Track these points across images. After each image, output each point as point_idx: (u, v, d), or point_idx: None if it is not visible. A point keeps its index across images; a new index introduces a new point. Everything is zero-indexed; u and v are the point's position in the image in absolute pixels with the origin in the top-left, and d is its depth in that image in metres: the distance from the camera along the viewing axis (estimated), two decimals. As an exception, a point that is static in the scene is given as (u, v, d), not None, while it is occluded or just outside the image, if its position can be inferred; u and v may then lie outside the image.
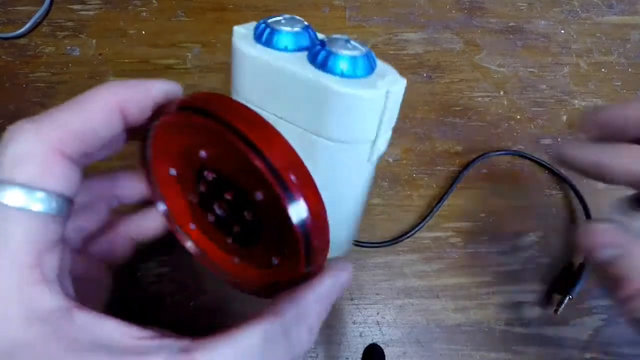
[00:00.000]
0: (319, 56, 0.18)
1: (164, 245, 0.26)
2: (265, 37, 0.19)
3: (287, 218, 0.15)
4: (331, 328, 0.30)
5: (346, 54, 0.18)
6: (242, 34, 0.20)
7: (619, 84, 0.38)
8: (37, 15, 0.39)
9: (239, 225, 0.20)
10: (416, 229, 0.32)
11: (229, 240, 0.21)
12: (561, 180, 0.35)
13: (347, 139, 0.19)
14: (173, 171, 0.21)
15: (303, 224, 0.16)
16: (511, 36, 0.40)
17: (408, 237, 0.32)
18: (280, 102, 0.19)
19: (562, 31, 0.41)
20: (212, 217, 0.20)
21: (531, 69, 0.39)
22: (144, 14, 0.41)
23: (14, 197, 0.15)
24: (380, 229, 0.32)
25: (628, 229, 0.19)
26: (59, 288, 0.16)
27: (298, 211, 0.15)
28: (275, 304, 0.17)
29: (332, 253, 0.22)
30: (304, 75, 0.18)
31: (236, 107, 0.16)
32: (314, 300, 0.18)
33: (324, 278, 0.18)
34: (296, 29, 0.19)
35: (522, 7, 0.42)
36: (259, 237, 0.19)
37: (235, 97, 0.21)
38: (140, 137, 0.20)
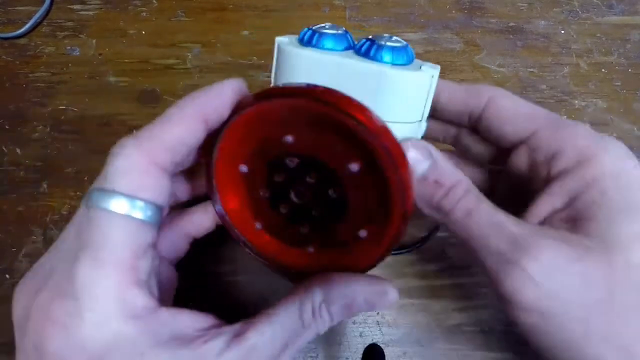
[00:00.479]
0: (368, 48, 0.20)
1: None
2: (313, 40, 0.21)
3: (389, 180, 0.17)
4: (331, 328, 0.30)
5: (391, 45, 0.20)
6: (286, 41, 0.22)
7: (619, 84, 0.38)
8: (37, 15, 0.39)
9: (319, 209, 0.21)
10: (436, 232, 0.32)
11: (304, 230, 0.22)
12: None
13: (398, 119, 0.20)
14: (244, 168, 0.21)
15: (401, 186, 0.17)
16: (511, 36, 0.40)
17: (430, 240, 0.32)
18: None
19: (562, 31, 0.41)
20: (284, 209, 0.22)
21: (531, 69, 0.39)
22: (144, 14, 0.41)
23: (119, 205, 0.17)
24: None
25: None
26: (148, 289, 0.17)
27: (398, 174, 0.17)
28: (308, 285, 0.20)
29: None
30: (357, 65, 0.19)
31: (319, 88, 0.17)
32: (340, 291, 0.20)
33: (362, 278, 0.20)
34: (339, 32, 0.21)
35: (522, 7, 0.42)
36: (343, 214, 0.21)
37: None
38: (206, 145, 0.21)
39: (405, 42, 0.21)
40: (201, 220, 0.25)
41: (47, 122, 0.36)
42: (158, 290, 0.19)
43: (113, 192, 0.17)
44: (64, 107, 0.37)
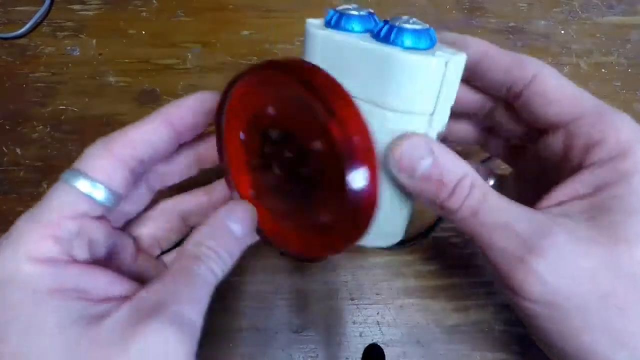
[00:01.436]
0: (383, 30, 0.20)
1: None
2: (334, 21, 0.21)
3: (344, 170, 0.16)
4: (331, 328, 0.30)
5: (408, 27, 0.19)
6: (315, 23, 0.22)
7: (619, 84, 0.38)
8: (37, 15, 0.39)
9: (292, 185, 0.21)
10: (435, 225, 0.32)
11: (284, 203, 0.23)
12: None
13: (405, 108, 0.20)
14: (242, 136, 0.22)
15: (360, 185, 0.17)
16: (511, 36, 0.40)
17: (432, 232, 0.32)
18: (348, 78, 0.19)
19: (562, 31, 0.41)
20: (272, 179, 0.22)
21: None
22: (144, 14, 0.41)
23: (68, 176, 0.20)
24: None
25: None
26: (66, 246, 0.19)
27: (355, 174, 0.16)
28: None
29: (378, 242, 0.24)
30: (367, 47, 0.19)
31: (309, 66, 0.18)
32: (208, 229, 0.21)
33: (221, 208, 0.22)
34: (362, 13, 0.21)
35: (522, 7, 0.42)
36: (312, 195, 0.21)
37: None
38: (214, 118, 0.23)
39: (427, 26, 0.20)
40: (193, 204, 0.27)
41: (47, 122, 0.36)
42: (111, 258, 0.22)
43: (71, 170, 0.20)
44: (64, 107, 0.37)
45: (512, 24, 0.41)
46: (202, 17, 0.41)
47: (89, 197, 0.20)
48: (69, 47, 0.39)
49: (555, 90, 0.21)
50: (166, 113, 0.22)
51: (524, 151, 0.25)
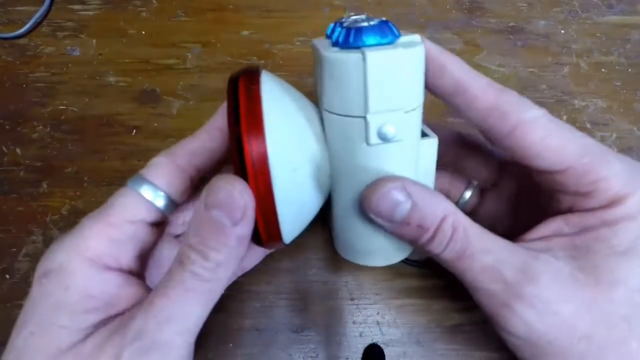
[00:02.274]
0: (334, 34, 0.19)
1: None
2: (332, 33, 0.20)
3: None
4: (331, 328, 0.30)
5: (350, 26, 0.18)
6: (322, 44, 0.21)
7: (619, 84, 0.38)
8: (37, 15, 0.39)
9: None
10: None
11: None
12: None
13: (340, 110, 0.19)
14: None
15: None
16: (511, 36, 0.40)
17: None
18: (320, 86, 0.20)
19: (562, 31, 0.41)
20: None
21: (531, 69, 0.39)
22: (144, 14, 0.41)
23: (134, 182, 0.22)
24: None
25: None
26: (118, 248, 0.21)
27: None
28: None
29: (390, 259, 0.24)
30: (318, 53, 0.19)
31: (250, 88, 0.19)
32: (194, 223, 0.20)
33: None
34: (337, 26, 0.20)
35: (522, 7, 0.42)
36: None
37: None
38: None
39: (378, 20, 0.19)
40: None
41: (47, 122, 0.36)
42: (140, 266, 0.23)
43: (137, 177, 0.22)
44: (64, 107, 0.37)
45: (512, 24, 0.41)
46: (202, 17, 0.41)
47: (151, 204, 0.22)
48: (69, 47, 0.39)
49: (537, 144, 0.19)
50: (217, 121, 0.23)
51: (505, 169, 0.25)
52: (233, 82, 0.20)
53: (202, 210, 0.17)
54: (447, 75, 0.20)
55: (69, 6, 0.41)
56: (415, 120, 0.20)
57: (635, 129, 0.37)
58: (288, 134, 0.19)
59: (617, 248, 0.18)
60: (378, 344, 0.29)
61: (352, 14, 0.21)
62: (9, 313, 0.30)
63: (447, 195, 0.27)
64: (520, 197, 0.25)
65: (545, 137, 0.19)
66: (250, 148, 0.18)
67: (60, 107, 0.37)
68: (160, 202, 0.22)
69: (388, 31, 0.18)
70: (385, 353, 0.27)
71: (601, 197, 0.19)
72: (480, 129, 0.21)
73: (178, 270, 0.18)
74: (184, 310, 0.18)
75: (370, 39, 0.18)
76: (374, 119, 0.18)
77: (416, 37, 0.20)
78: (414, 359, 0.29)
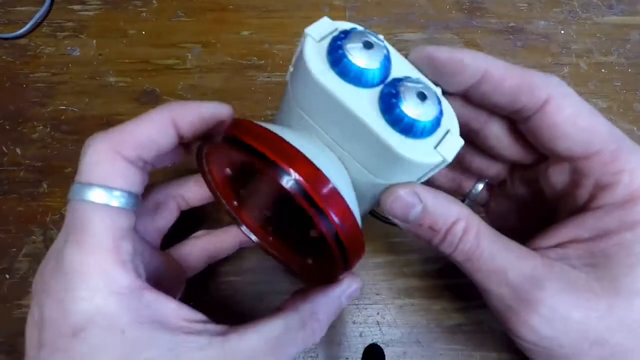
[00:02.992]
0: (390, 109, 0.17)
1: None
2: (338, 62, 0.17)
3: (321, 231, 0.18)
4: (331, 328, 0.30)
5: (416, 117, 0.17)
6: (315, 45, 0.18)
7: (619, 84, 0.38)
8: (37, 15, 0.39)
9: (286, 225, 0.23)
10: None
11: (269, 229, 0.24)
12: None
13: (390, 181, 0.20)
14: (228, 171, 0.23)
15: (333, 233, 0.18)
16: (511, 36, 0.40)
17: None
18: (335, 127, 0.19)
19: (562, 31, 0.41)
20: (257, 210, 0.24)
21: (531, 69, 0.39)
22: (144, 14, 0.41)
23: (97, 195, 0.18)
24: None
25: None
26: (133, 270, 0.18)
27: (327, 225, 0.17)
28: (294, 301, 0.21)
29: None
30: (367, 122, 0.17)
31: (275, 140, 0.17)
32: (324, 303, 0.21)
33: (336, 285, 0.22)
34: (370, 63, 0.17)
35: (522, 7, 0.42)
36: (296, 240, 0.23)
37: (291, 101, 0.20)
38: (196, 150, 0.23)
39: (438, 108, 0.18)
40: (221, 242, 0.28)
41: (47, 122, 0.36)
42: (159, 282, 0.21)
43: (89, 184, 0.18)
44: (64, 107, 0.37)
45: (512, 24, 0.41)
46: (202, 17, 0.41)
47: (120, 209, 0.19)
48: (69, 47, 0.39)
49: (567, 122, 0.18)
50: (172, 111, 0.20)
51: (515, 172, 0.25)
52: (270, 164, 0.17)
53: (338, 297, 0.22)
54: (468, 68, 0.19)
55: (69, 6, 0.41)
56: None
57: (635, 129, 0.37)
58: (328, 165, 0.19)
59: (639, 257, 0.17)
60: (378, 344, 0.29)
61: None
62: (9, 313, 0.30)
63: (459, 187, 0.27)
64: (530, 196, 0.24)
65: (576, 115, 0.18)
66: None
67: (60, 107, 0.37)
68: (120, 201, 0.19)
69: (434, 126, 0.18)
70: (385, 353, 0.27)
71: (622, 191, 0.18)
72: (511, 111, 0.19)
73: (299, 332, 0.21)
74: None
75: (428, 134, 0.18)
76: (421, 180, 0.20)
77: (451, 119, 0.19)
78: (414, 359, 0.29)
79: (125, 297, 0.17)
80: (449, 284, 0.31)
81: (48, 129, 0.36)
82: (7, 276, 0.31)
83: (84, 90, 0.37)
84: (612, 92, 0.38)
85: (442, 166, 0.18)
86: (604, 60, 0.39)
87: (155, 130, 0.20)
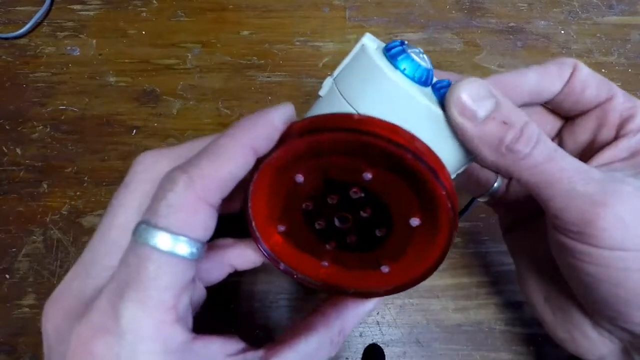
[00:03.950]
0: (441, 91, 0.20)
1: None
2: (398, 57, 0.19)
3: (444, 244, 0.18)
4: (331, 328, 0.30)
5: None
6: (373, 47, 0.20)
7: (619, 84, 0.38)
8: (37, 15, 0.39)
9: (356, 239, 0.21)
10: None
11: (329, 247, 0.22)
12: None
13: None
14: (300, 177, 0.20)
15: (444, 249, 0.19)
16: (511, 36, 0.40)
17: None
18: (388, 113, 0.19)
19: (562, 31, 0.41)
20: (320, 226, 0.21)
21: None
22: (144, 14, 0.41)
23: (164, 241, 0.16)
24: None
25: None
26: (185, 322, 0.18)
27: (448, 241, 0.18)
28: (326, 314, 0.21)
29: None
30: (433, 108, 0.18)
31: (394, 128, 0.17)
32: (352, 317, 0.22)
33: (366, 301, 0.22)
34: (424, 64, 0.20)
35: (522, 7, 0.42)
36: (377, 248, 0.21)
37: (338, 85, 0.20)
38: None
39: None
40: (246, 254, 0.25)
41: (47, 122, 0.36)
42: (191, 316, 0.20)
43: (165, 230, 0.16)
44: (64, 107, 0.37)
45: (512, 24, 0.41)
46: (202, 17, 0.41)
47: (188, 260, 0.17)
48: (69, 47, 0.39)
49: (590, 76, 0.22)
50: (252, 138, 0.18)
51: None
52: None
53: (356, 315, 0.23)
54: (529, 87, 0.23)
55: (69, 6, 0.41)
56: None
57: (635, 129, 0.37)
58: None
59: None
60: (378, 344, 0.29)
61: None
62: (8, 313, 0.30)
63: (477, 181, 0.27)
64: None
65: (592, 73, 0.22)
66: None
67: (60, 107, 0.37)
68: (199, 252, 0.17)
69: None
70: (385, 353, 0.27)
71: None
72: (549, 94, 0.23)
73: (329, 349, 0.21)
74: None
75: None
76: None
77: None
78: (414, 359, 0.29)
79: (179, 354, 0.17)
80: (449, 284, 0.31)
81: (48, 129, 0.36)
82: (7, 276, 0.31)
83: (83, 90, 0.37)
84: (612, 92, 0.38)
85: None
86: (604, 60, 0.39)
87: (238, 165, 0.18)
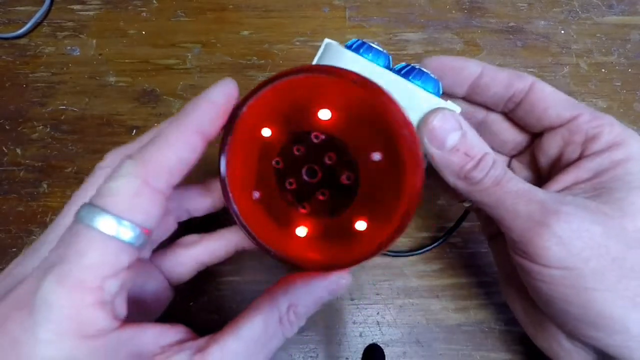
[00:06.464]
0: (410, 71, 0.21)
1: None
2: (360, 49, 0.22)
3: (406, 181, 0.18)
4: (331, 328, 0.30)
5: (431, 75, 0.22)
6: (335, 43, 0.23)
7: (619, 84, 0.38)
8: (37, 15, 0.39)
9: (326, 191, 0.21)
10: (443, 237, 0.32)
11: (303, 210, 0.22)
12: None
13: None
14: (267, 131, 0.21)
15: (413, 189, 0.18)
16: (511, 36, 0.40)
17: (439, 244, 0.32)
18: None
19: (562, 31, 0.41)
20: (291, 185, 0.22)
21: (531, 69, 0.39)
22: (144, 14, 0.41)
23: (107, 224, 0.16)
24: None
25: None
26: (111, 309, 0.17)
27: (415, 180, 0.18)
28: (273, 293, 0.20)
29: None
30: (396, 79, 0.21)
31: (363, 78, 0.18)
32: (305, 294, 0.21)
33: (321, 277, 0.21)
34: (384, 51, 0.22)
35: (522, 7, 0.42)
36: (349, 201, 0.21)
37: None
38: None
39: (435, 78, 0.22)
40: (214, 249, 0.25)
41: (47, 122, 0.36)
42: (143, 300, 0.20)
43: (103, 211, 0.16)
44: (64, 107, 0.37)
45: (512, 24, 0.41)
46: (202, 17, 0.41)
47: (127, 245, 0.17)
48: (69, 47, 0.39)
49: (552, 95, 0.23)
50: (196, 121, 0.18)
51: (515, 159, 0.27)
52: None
53: (321, 292, 0.21)
54: (470, 64, 0.24)
55: (69, 6, 0.41)
56: None
57: (635, 128, 0.37)
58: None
59: (633, 184, 0.20)
60: (378, 344, 0.29)
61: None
62: (9, 313, 0.30)
63: None
64: (529, 180, 0.25)
65: (555, 91, 0.23)
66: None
67: (60, 107, 0.37)
68: (140, 238, 0.17)
69: (437, 86, 0.22)
70: (385, 353, 0.27)
71: (606, 138, 0.21)
72: (506, 98, 0.24)
73: (280, 327, 0.20)
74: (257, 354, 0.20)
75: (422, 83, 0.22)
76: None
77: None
78: (414, 359, 0.29)
79: (98, 340, 0.16)
80: (449, 284, 0.31)
81: (48, 129, 0.36)
82: (7, 276, 0.31)
83: (84, 90, 0.37)
84: (612, 92, 0.38)
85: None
86: (604, 60, 0.39)
87: (184, 149, 0.18)
